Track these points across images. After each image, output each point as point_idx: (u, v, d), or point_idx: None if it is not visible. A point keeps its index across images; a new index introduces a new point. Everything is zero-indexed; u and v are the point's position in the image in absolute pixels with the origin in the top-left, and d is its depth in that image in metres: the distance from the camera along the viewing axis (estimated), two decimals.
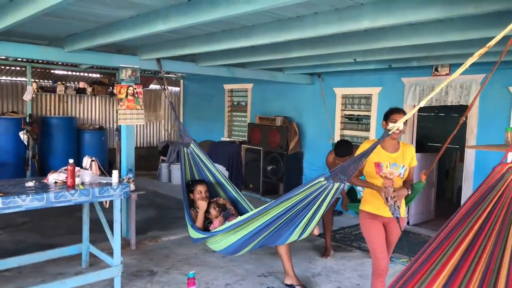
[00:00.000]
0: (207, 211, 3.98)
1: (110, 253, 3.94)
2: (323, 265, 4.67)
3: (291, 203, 3.22)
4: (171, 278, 4.19)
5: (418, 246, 5.35)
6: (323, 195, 3.09)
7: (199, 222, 3.95)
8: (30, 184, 3.57)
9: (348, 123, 7.19)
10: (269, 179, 7.76)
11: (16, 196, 3.13)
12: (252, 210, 3.95)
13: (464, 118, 2.83)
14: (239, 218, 3.56)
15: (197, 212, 4.04)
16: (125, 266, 4.11)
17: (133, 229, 5.00)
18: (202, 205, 3.97)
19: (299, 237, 3.56)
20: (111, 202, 3.85)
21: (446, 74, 5.66)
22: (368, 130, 6.77)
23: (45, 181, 3.72)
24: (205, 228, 3.95)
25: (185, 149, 4.43)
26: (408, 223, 6.38)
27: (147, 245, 5.15)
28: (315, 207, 3.21)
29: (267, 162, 7.76)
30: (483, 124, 5.51)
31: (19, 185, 3.55)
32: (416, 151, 6.38)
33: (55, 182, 3.67)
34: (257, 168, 7.95)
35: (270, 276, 4.32)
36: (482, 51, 1.88)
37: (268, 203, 3.32)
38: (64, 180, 3.64)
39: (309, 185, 3.09)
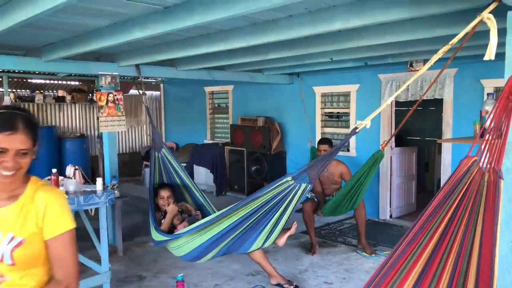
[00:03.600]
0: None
1: (98, 260, 3.96)
2: (310, 261, 4.76)
3: (257, 204, 3.18)
4: (160, 282, 4.23)
5: (400, 238, 5.48)
6: (290, 196, 3.05)
7: (165, 225, 3.98)
8: None
9: (329, 120, 7.31)
10: (253, 179, 7.83)
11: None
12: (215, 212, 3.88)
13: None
14: (203, 219, 3.51)
15: (162, 216, 4.09)
16: (114, 272, 4.13)
17: (120, 235, 5.01)
18: (172, 209, 4.02)
19: (262, 244, 3.50)
20: (97, 209, 3.86)
21: (421, 69, 5.81)
22: (347, 127, 6.90)
23: None
24: (169, 232, 3.96)
25: (156, 153, 4.52)
26: (390, 216, 6.53)
27: (134, 251, 5.17)
28: (281, 209, 3.16)
29: (251, 163, 7.83)
30: (458, 117, 5.68)
31: None
32: (396, 145, 6.57)
33: None
34: (241, 169, 8.01)
35: (258, 275, 4.39)
36: (445, 48, 1.99)
37: (234, 204, 3.26)
38: None
39: (276, 185, 3.05)
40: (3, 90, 7.90)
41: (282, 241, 3.80)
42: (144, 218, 6.68)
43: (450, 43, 1.88)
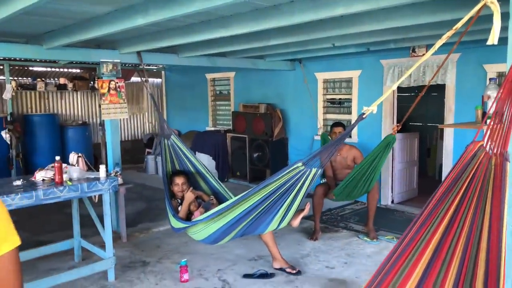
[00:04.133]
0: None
1: (102, 246, 4.01)
2: (312, 246, 4.81)
3: (270, 189, 3.29)
4: (164, 267, 4.28)
5: (402, 224, 5.53)
6: (301, 181, 3.17)
7: (183, 212, 4.02)
8: (18, 183, 3.60)
9: (331, 107, 7.30)
10: (255, 166, 7.86)
11: (5, 196, 3.17)
12: (232, 198, 4.02)
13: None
14: (219, 206, 3.61)
15: (179, 202, 4.12)
16: (118, 258, 4.18)
17: (123, 222, 5.06)
18: (189, 196, 4.04)
19: (278, 226, 3.61)
20: (100, 196, 3.90)
21: (423, 55, 5.78)
22: (350, 113, 6.89)
23: (33, 179, 3.75)
24: (187, 218, 4.02)
25: (165, 140, 4.49)
26: (392, 201, 6.56)
27: (138, 237, 5.23)
28: (293, 193, 3.28)
29: (253, 149, 7.85)
30: (460, 102, 5.67)
31: (6, 184, 3.58)
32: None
33: (43, 180, 3.70)
34: (243, 156, 8.04)
35: (260, 259, 4.44)
36: (449, 33, 1.98)
37: (247, 191, 3.38)
38: (52, 177, 3.68)
39: (287, 171, 3.16)
40: (4, 78, 7.89)
41: (296, 222, 3.88)
42: (147, 205, 6.74)
43: (455, 28, 1.87)
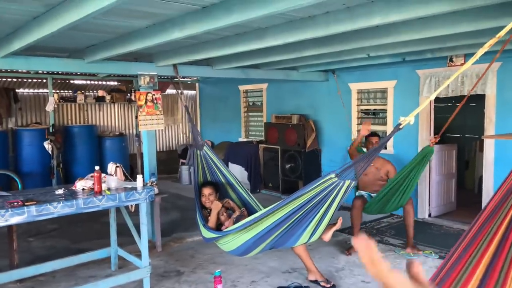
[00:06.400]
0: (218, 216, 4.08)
1: (138, 255, 4.08)
2: (346, 259, 4.72)
3: (301, 201, 3.24)
4: (198, 277, 4.30)
5: (440, 238, 5.35)
6: (334, 193, 3.11)
7: (212, 222, 4.04)
8: (60, 191, 3.72)
9: (365, 117, 7.20)
10: (288, 177, 7.83)
11: (48, 204, 3.28)
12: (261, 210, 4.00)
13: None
14: (250, 217, 3.60)
15: (208, 213, 4.15)
16: (153, 267, 4.23)
17: (159, 231, 5.13)
18: (215, 205, 4.07)
19: (308, 239, 3.57)
20: (137, 206, 3.98)
21: (461, 64, 5.63)
22: (385, 124, 6.77)
23: (73, 188, 3.87)
24: (217, 228, 4.04)
25: (198, 151, 4.54)
26: (429, 215, 6.37)
27: (172, 246, 5.29)
28: (325, 205, 3.23)
29: (285, 161, 7.83)
30: (501, 112, 5.48)
31: (49, 193, 3.70)
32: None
33: (83, 189, 3.81)
34: (275, 167, 8.02)
35: (295, 272, 4.39)
36: (492, 41, 1.93)
37: (279, 202, 3.34)
38: (91, 187, 3.78)
39: (319, 182, 3.12)
40: (48, 91, 8.23)
41: (327, 236, 3.81)
42: (181, 215, 6.82)
43: (498, 35, 1.82)
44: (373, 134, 5.24)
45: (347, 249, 4.94)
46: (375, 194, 4.95)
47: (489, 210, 1.73)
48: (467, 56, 5.53)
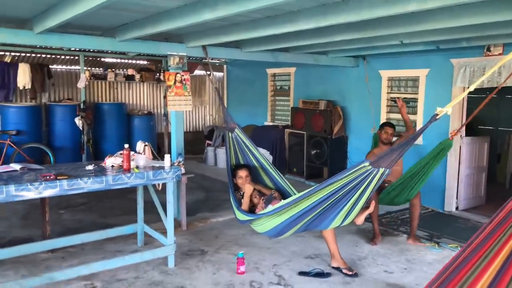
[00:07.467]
0: (250, 199, 4.11)
1: (163, 233, 4.17)
2: (369, 248, 4.70)
3: (335, 187, 3.28)
4: (221, 257, 4.38)
5: (467, 232, 5.26)
6: (368, 180, 3.13)
7: (245, 205, 4.08)
8: (90, 167, 3.82)
9: (395, 106, 7.05)
10: (313, 163, 7.80)
11: (79, 179, 3.38)
12: (295, 194, 4.02)
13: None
14: (283, 201, 3.64)
15: (241, 195, 4.18)
16: (177, 245, 4.32)
17: (184, 210, 5.22)
18: (248, 188, 4.09)
19: (341, 222, 3.60)
20: (164, 184, 4.05)
21: (500, 54, 5.43)
22: (415, 113, 6.62)
23: (103, 164, 3.96)
24: (251, 211, 4.08)
25: (230, 134, 4.55)
26: (457, 208, 6.25)
27: (197, 226, 5.38)
28: (359, 192, 3.26)
29: (311, 146, 7.79)
30: None
31: (79, 168, 3.81)
32: (466, 135, 6.21)
33: (112, 166, 3.91)
34: (300, 152, 8.00)
35: (317, 258, 4.41)
36: None
37: (312, 187, 3.38)
38: (121, 164, 3.87)
39: (353, 170, 3.14)
40: (79, 68, 8.40)
41: (360, 219, 3.81)
42: (206, 195, 6.92)
43: None
44: (389, 124, 5.04)
45: (372, 239, 4.90)
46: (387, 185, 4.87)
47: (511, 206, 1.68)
48: (506, 46, 5.32)
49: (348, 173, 3.15)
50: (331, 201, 3.37)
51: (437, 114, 2.07)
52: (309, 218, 3.57)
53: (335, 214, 3.50)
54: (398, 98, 4.85)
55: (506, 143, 8.10)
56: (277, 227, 3.72)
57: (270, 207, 3.74)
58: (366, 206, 3.77)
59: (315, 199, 3.38)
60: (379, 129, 5.03)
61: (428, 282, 1.89)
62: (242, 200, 4.12)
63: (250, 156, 4.48)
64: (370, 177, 3.08)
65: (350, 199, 3.33)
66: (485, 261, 1.69)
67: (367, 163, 3.05)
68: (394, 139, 5.11)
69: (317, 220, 3.60)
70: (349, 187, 3.23)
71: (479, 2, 3.19)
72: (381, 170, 3.01)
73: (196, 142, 10.51)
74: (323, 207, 3.43)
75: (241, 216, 3.99)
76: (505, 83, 5.39)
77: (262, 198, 4.11)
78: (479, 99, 8.80)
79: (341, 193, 3.29)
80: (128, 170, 3.74)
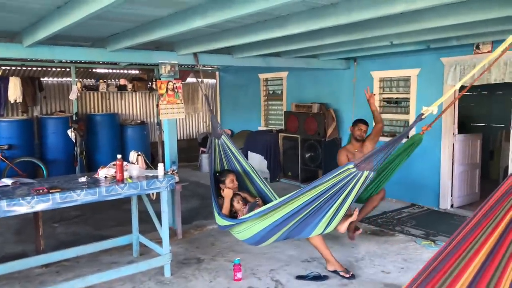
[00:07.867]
0: (231, 203, 4.09)
1: (159, 242, 4.14)
2: (366, 249, 4.69)
3: (318, 191, 3.23)
4: (218, 265, 4.35)
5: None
6: (352, 184, 3.08)
7: (226, 209, 4.06)
8: (83, 179, 3.79)
9: (387, 106, 7.08)
10: (307, 166, 7.79)
11: (71, 191, 3.35)
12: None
13: None
14: (265, 206, 3.60)
15: (223, 201, 4.17)
16: (173, 254, 4.29)
17: (179, 219, 5.19)
18: (227, 192, 4.08)
19: (324, 230, 3.55)
20: (158, 194, 4.03)
21: (489, 52, 5.47)
22: (407, 113, 6.65)
23: (96, 176, 3.93)
24: (232, 217, 4.05)
25: (216, 140, 4.56)
26: (451, 205, 6.27)
27: (193, 234, 5.35)
28: (342, 196, 3.21)
29: (305, 150, 7.79)
30: None
31: (72, 181, 3.77)
32: (459, 132, 6.24)
33: (105, 177, 3.88)
34: (295, 156, 8.00)
35: (314, 261, 4.39)
36: None
37: (294, 192, 3.33)
38: (114, 175, 3.84)
39: (337, 173, 3.10)
40: (71, 79, 8.36)
41: (343, 227, 3.79)
42: (201, 202, 6.88)
43: None
44: (362, 121, 4.83)
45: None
46: None
47: (497, 197, 1.70)
48: (495, 43, 5.36)
49: (332, 176, 3.11)
50: (314, 205, 3.31)
51: (423, 114, 2.07)
52: (292, 224, 3.50)
53: (318, 220, 3.44)
54: (367, 87, 4.78)
55: (498, 139, 8.15)
56: (258, 234, 3.68)
57: (252, 212, 3.69)
58: (349, 214, 3.75)
59: (298, 203, 3.33)
60: (352, 126, 4.84)
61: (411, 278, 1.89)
62: (223, 205, 4.11)
63: (235, 162, 4.48)
64: (354, 181, 3.03)
65: (333, 204, 3.27)
66: (469, 254, 1.71)
67: (351, 165, 3.01)
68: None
69: (300, 227, 3.53)
70: (332, 191, 3.17)
71: (468, 0, 3.21)
72: (366, 173, 2.97)
73: (190, 149, 10.48)
74: (305, 212, 3.37)
75: (221, 221, 3.96)
76: (494, 80, 5.44)
77: (246, 205, 4.09)
78: (471, 96, 8.86)
79: (325, 197, 3.23)
80: (122, 180, 3.71)
